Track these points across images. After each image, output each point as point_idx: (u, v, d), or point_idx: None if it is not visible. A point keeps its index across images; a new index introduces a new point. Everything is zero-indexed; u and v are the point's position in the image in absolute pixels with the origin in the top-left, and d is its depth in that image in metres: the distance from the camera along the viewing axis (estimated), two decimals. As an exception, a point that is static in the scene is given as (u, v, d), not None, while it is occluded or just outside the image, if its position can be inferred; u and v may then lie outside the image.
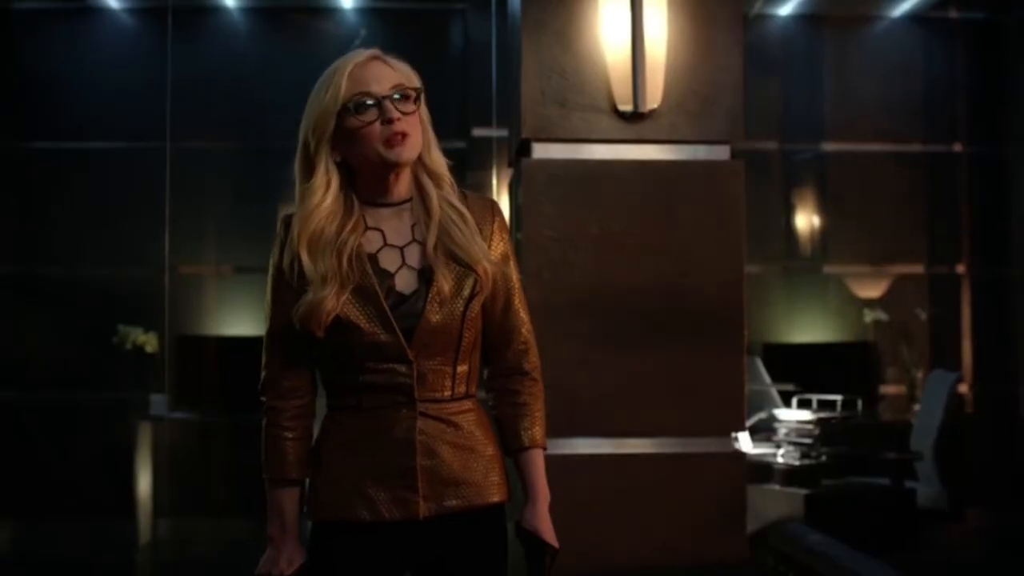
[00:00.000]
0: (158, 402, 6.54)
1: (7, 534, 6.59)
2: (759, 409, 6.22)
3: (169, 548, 6.50)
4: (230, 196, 7.18)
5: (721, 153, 3.70)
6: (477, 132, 6.95)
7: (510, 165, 4.19)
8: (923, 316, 7.56)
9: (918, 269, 7.67)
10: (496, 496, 2.01)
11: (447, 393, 1.99)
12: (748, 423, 4.14)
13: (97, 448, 6.82)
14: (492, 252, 2.03)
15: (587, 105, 3.64)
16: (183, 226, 6.98)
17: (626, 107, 3.61)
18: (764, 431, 5.94)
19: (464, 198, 2.05)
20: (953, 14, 7.70)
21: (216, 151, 7.20)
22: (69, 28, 7.21)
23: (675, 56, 3.66)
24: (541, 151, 3.65)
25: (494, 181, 6.80)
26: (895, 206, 7.64)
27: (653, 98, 3.61)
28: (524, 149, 3.68)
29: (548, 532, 2.06)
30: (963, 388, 7.51)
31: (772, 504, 5.40)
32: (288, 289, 1.98)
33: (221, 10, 7.25)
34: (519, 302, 2.09)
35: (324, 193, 1.96)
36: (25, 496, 6.76)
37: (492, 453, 2.03)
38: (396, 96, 1.95)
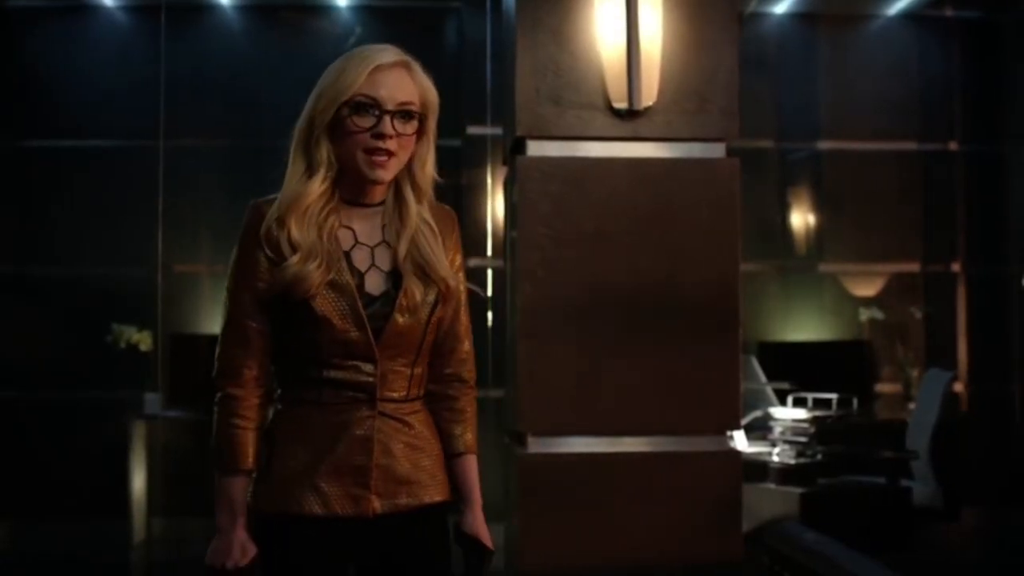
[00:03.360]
0: (152, 400, 6.52)
1: (2, 532, 6.57)
2: (754, 408, 6.22)
3: (164, 547, 6.49)
4: (224, 194, 7.15)
5: (716, 151, 3.69)
6: (472, 130, 6.94)
7: (505, 163, 4.18)
8: (919, 315, 7.56)
9: (914, 267, 7.67)
10: (440, 495, 2.06)
11: (403, 394, 2.02)
12: (743, 422, 4.14)
13: (91, 447, 6.79)
14: (452, 263, 2.07)
15: (582, 103, 3.63)
16: (177, 224, 6.96)
17: (621, 105, 3.60)
18: (759, 430, 5.93)
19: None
20: (949, 12, 7.70)
21: (210, 149, 7.17)
22: (63, 26, 7.18)
23: (670, 54, 3.65)
24: (536, 149, 3.64)
25: (489, 179, 6.79)
26: (891, 204, 7.64)
27: (648, 96, 3.61)
28: (519, 147, 3.67)
29: (486, 535, 2.12)
30: (958, 387, 7.51)
31: (768, 503, 5.39)
32: (253, 274, 2.00)
33: (215, 7, 7.22)
34: (464, 312, 2.14)
35: (324, 172, 1.98)
36: (20, 494, 6.74)
37: (438, 453, 2.08)
38: (400, 114, 1.96)
